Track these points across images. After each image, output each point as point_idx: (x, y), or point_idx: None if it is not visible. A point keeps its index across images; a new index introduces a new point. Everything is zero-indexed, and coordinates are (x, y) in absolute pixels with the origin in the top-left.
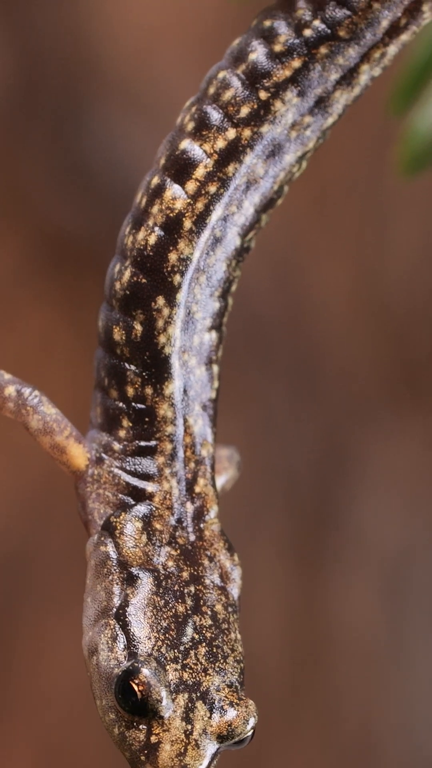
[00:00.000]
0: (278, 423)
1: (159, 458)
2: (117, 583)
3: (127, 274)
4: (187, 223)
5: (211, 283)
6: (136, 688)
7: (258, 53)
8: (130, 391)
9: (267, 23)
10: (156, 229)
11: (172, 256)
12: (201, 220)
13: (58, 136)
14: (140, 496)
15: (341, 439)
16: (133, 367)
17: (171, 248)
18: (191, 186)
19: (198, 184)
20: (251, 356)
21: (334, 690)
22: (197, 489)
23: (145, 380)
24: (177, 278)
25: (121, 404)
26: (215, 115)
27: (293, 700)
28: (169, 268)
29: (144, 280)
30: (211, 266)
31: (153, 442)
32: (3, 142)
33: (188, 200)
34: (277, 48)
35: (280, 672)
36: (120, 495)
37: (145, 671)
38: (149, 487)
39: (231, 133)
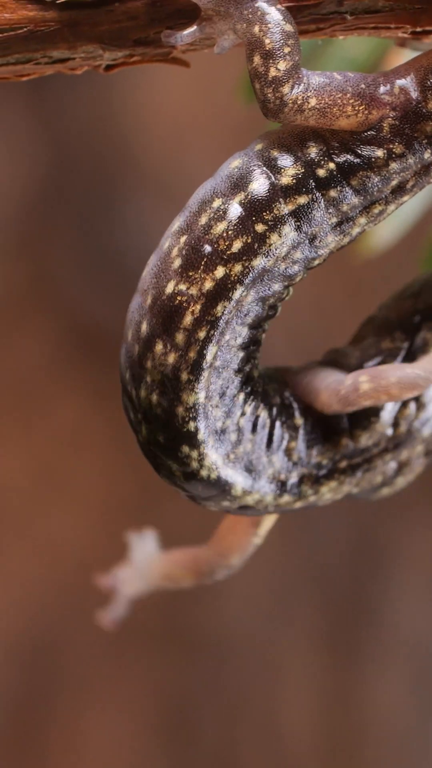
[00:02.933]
0: (311, 518)
1: None
2: None
3: None
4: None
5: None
6: None
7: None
8: None
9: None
10: None
11: None
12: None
13: (90, 228)
14: None
15: (374, 533)
16: None
17: None
18: None
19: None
20: None
21: None
22: None
23: None
24: None
25: None
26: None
27: None
28: None
29: None
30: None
31: None
32: (35, 234)
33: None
34: (285, 181)
35: (313, 763)
36: None
37: None
38: None
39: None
